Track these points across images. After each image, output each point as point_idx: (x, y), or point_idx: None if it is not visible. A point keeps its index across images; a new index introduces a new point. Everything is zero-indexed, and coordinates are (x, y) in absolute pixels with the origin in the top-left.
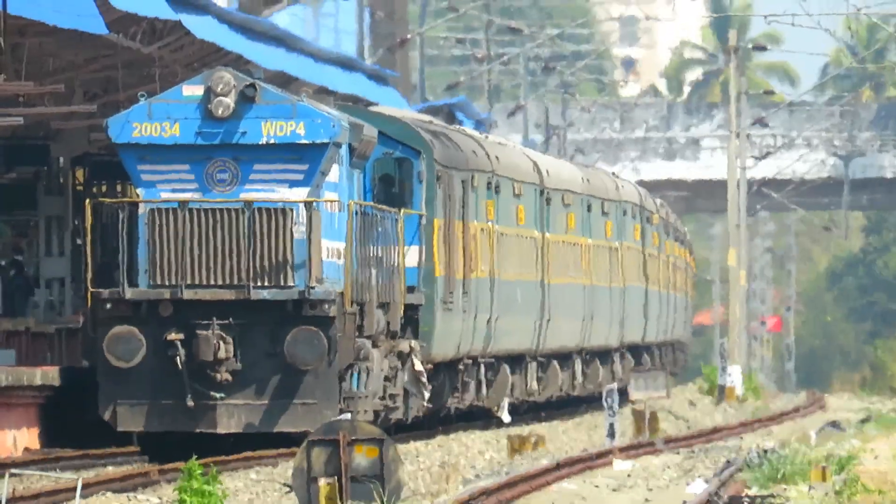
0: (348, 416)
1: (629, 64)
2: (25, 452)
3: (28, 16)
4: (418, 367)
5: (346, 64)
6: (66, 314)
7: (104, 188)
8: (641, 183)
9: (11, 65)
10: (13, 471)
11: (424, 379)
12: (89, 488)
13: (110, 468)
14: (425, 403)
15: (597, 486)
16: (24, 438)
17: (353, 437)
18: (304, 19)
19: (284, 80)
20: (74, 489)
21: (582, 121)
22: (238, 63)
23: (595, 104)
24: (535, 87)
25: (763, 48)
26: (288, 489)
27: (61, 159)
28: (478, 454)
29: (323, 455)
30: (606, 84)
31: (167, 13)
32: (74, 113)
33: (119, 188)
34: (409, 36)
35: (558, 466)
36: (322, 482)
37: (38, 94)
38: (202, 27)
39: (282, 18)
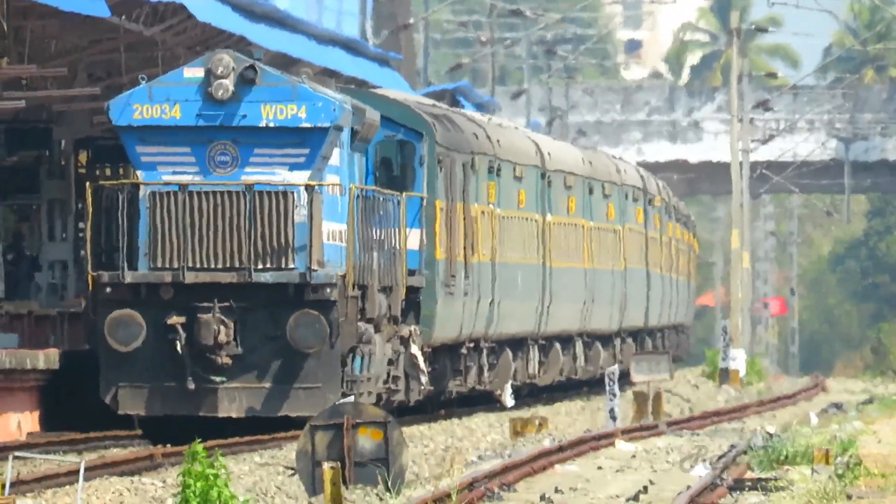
0: (352, 398)
1: (634, 46)
2: (29, 436)
3: None
4: (415, 352)
5: (349, 46)
6: (68, 298)
7: (107, 171)
8: (644, 165)
9: (14, 47)
10: (17, 454)
11: (422, 364)
12: (93, 471)
13: (114, 450)
14: (423, 388)
15: (600, 468)
16: (27, 422)
17: (358, 420)
18: (306, 1)
19: (287, 62)
20: (78, 472)
21: (584, 103)
22: (240, 45)
23: (598, 87)
24: (538, 71)
25: (765, 30)
26: (292, 472)
27: (63, 143)
28: (481, 437)
29: (327, 438)
30: (609, 68)
31: None
32: (77, 96)
33: (121, 171)
34: (411, 20)
35: (561, 449)
36: (326, 466)
37: (41, 77)
38: (204, 9)
39: (283, 0)
